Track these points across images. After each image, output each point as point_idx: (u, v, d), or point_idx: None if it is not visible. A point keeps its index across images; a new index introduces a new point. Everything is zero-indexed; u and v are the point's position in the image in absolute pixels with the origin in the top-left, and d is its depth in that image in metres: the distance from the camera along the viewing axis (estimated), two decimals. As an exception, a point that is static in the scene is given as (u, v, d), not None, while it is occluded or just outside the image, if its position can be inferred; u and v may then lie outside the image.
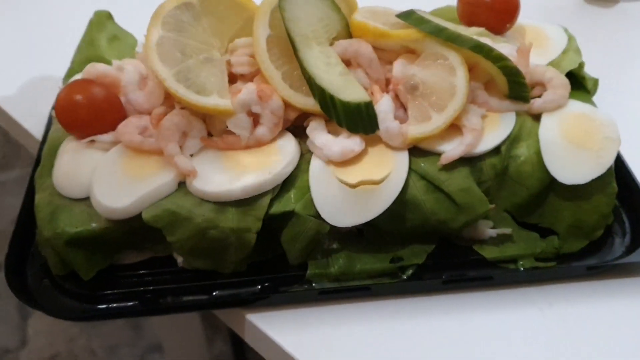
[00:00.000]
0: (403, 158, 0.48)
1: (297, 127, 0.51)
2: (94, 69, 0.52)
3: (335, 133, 0.49)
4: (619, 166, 0.53)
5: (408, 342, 0.47)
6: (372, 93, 0.49)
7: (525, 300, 0.49)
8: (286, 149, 0.49)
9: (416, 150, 0.49)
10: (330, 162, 0.48)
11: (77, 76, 0.55)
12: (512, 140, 0.50)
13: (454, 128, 0.49)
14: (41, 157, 0.53)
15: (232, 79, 0.51)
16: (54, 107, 0.51)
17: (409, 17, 0.50)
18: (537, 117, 0.51)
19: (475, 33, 0.53)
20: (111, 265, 0.50)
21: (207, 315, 1.01)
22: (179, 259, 0.50)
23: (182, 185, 0.48)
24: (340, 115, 0.47)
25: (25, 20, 0.84)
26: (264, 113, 0.48)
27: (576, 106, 0.52)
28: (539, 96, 0.52)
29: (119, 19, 0.67)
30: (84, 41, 0.63)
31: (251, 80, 0.51)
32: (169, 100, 0.50)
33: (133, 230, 0.48)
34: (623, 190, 0.51)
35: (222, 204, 0.46)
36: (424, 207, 0.48)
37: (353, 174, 0.47)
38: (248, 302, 0.49)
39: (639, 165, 0.55)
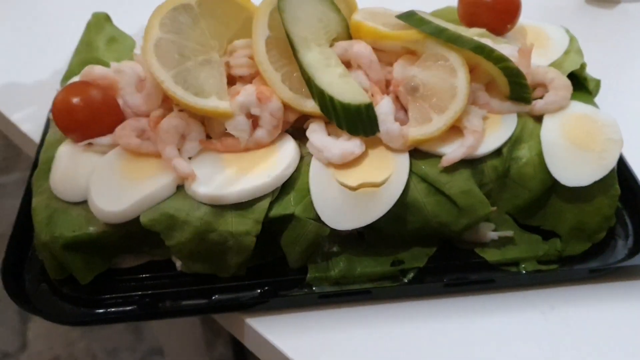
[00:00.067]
0: (404, 160, 0.48)
1: (296, 129, 0.51)
2: (92, 71, 0.51)
3: (335, 135, 0.49)
4: (622, 168, 0.53)
5: (409, 346, 0.47)
6: (372, 95, 0.49)
7: (527, 304, 0.49)
8: (286, 152, 0.49)
9: (417, 153, 0.49)
10: (330, 164, 0.48)
11: (75, 78, 0.55)
12: (514, 141, 0.49)
13: (454, 130, 0.49)
14: (39, 160, 0.52)
15: (231, 80, 0.50)
16: (51, 110, 0.51)
17: (409, 18, 0.50)
18: (538, 119, 0.51)
19: (476, 34, 0.52)
20: (109, 269, 0.50)
21: (207, 319, 1.00)
22: (178, 263, 0.50)
23: (180, 188, 0.47)
24: (340, 117, 0.47)
25: (23, 23, 0.84)
26: (263, 115, 0.48)
27: (578, 107, 0.52)
28: (541, 97, 0.51)
29: (117, 21, 0.67)
30: (81, 43, 0.63)
31: (250, 82, 0.50)
32: (167, 102, 0.50)
33: (131, 234, 0.47)
34: (626, 192, 0.51)
35: (221, 207, 0.46)
36: (425, 209, 0.48)
37: (353, 177, 0.47)
38: (248, 307, 0.48)
39: (641, 166, 0.54)
